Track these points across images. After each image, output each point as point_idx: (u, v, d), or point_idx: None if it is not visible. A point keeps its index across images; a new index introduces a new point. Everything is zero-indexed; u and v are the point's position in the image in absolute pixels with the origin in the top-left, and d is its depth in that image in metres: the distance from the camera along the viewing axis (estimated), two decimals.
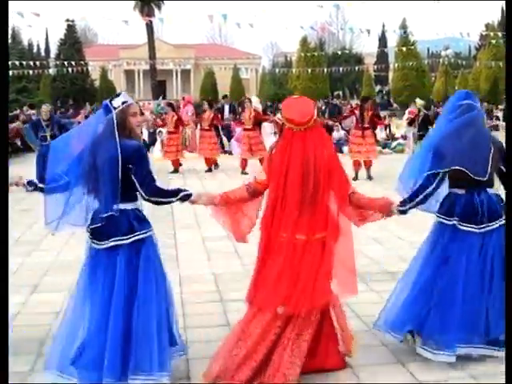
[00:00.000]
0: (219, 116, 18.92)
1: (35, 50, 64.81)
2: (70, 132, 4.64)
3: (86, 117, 16.39)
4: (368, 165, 14.24)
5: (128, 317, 3.91)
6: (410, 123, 15.77)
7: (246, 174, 14.79)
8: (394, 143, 20.96)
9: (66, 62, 41.53)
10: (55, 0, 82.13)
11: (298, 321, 3.98)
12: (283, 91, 51.57)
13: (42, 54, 65.93)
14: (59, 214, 4.10)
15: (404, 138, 22.28)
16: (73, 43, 46.54)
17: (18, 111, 27.46)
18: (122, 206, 3.98)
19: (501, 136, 4.91)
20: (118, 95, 4.13)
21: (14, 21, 37.74)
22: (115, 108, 4.00)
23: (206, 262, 7.28)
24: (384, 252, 7.60)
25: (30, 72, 38.82)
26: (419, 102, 15.37)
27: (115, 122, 3.96)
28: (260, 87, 60.84)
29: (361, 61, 57.08)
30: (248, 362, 3.97)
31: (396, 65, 48.17)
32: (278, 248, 4.04)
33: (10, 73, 33.96)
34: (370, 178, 13.88)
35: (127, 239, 3.96)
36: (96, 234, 4.02)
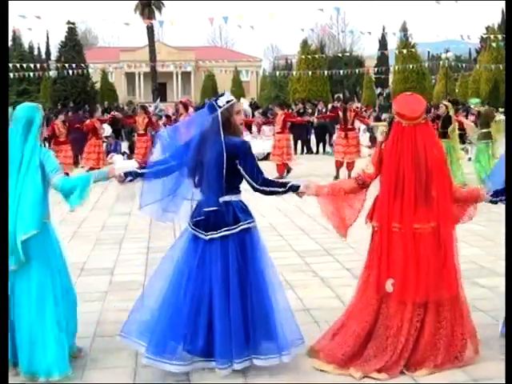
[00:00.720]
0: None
1: (36, 52, 64.76)
2: (176, 124, 5.08)
3: (64, 122, 15.89)
4: (350, 167, 14.13)
5: (244, 302, 4.16)
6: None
7: None
8: None
9: (66, 65, 41.40)
10: (56, 0, 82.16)
11: (436, 308, 4.23)
12: (284, 94, 51.62)
13: (43, 56, 65.92)
14: (156, 198, 4.33)
15: None
16: (73, 46, 46.47)
17: None
18: (227, 198, 4.24)
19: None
20: (222, 95, 4.41)
21: (15, 23, 37.78)
22: (220, 107, 4.26)
23: None
24: None
25: (31, 74, 38.84)
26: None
27: (220, 119, 4.21)
28: (260, 90, 60.87)
29: (361, 63, 57.06)
30: (402, 355, 4.19)
31: (396, 67, 48.18)
32: (394, 238, 4.22)
33: (11, 75, 33.98)
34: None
35: (234, 229, 4.19)
36: (201, 226, 4.24)
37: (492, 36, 42.35)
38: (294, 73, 50.18)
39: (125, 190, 12.74)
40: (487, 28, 50.86)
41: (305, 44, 49.54)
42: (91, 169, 15.53)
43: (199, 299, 4.19)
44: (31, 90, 40.60)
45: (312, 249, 7.75)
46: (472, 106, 13.69)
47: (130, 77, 70.73)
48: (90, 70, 47.98)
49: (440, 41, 43.08)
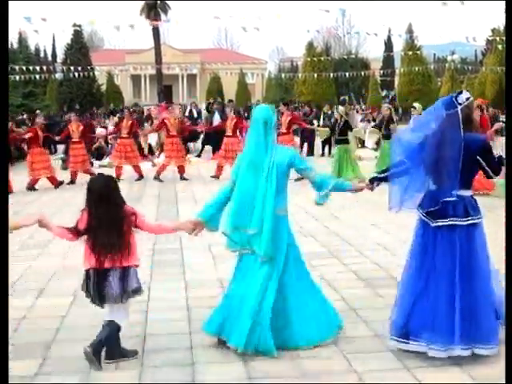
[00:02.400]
0: (137, 123, 18.24)
1: (42, 54, 65.02)
2: (411, 124, 5.30)
3: (47, 128, 15.27)
4: None
5: (469, 290, 4.33)
6: (331, 129, 16.13)
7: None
8: None
9: (72, 67, 41.58)
10: (62, 0, 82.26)
11: None
12: (289, 96, 51.65)
13: (49, 58, 66.13)
14: (405, 197, 4.58)
15: None
16: (79, 48, 46.62)
17: (24, 116, 27.51)
18: (460, 193, 4.42)
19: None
20: (460, 92, 4.56)
21: (21, 25, 37.87)
22: (460, 104, 4.40)
23: (212, 267, 7.27)
24: (389, 257, 7.58)
25: (37, 77, 38.89)
26: (341, 108, 15.91)
27: (460, 116, 4.35)
28: (266, 92, 60.91)
29: (367, 66, 57.00)
30: None
31: (402, 70, 48.12)
32: None
33: (17, 77, 34.07)
34: None
35: (464, 221, 4.39)
36: (433, 214, 4.44)
37: (498, 38, 42.28)
38: (300, 75, 50.22)
39: (132, 191, 12.78)
40: (493, 30, 50.73)
41: (310, 46, 49.56)
42: (52, 179, 14.55)
43: (421, 284, 4.42)
44: (37, 93, 40.54)
45: (317, 251, 7.74)
46: (416, 107, 14.04)
47: (136, 79, 70.91)
48: (96, 73, 48.11)
49: (445, 43, 43.08)
